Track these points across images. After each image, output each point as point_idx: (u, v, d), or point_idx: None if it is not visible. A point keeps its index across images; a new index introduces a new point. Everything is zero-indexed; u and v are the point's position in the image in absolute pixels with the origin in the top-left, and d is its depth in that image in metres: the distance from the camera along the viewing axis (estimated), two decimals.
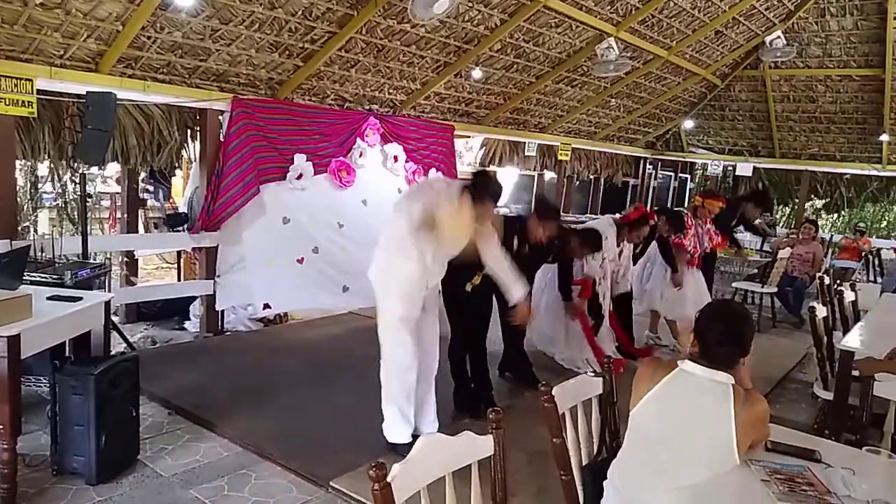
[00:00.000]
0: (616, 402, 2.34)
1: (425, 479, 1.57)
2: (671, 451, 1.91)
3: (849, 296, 4.60)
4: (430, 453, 1.59)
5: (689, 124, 10.94)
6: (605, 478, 2.07)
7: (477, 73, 6.58)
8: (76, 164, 5.34)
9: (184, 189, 7.53)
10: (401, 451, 3.33)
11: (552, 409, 2.01)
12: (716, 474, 1.84)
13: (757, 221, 10.78)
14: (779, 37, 7.94)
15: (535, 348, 5.14)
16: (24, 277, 3.32)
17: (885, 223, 11.83)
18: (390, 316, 3.36)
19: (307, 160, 5.70)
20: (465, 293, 3.87)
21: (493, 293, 4.09)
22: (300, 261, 5.76)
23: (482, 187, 3.33)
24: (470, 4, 5.52)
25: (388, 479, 1.43)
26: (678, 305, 5.50)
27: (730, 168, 11.25)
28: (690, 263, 5.58)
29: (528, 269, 4.11)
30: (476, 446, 1.73)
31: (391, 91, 6.45)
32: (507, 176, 9.83)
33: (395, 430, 3.43)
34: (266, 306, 5.58)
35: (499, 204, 3.49)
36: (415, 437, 3.37)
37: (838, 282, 5.61)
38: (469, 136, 8.59)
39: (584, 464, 2.19)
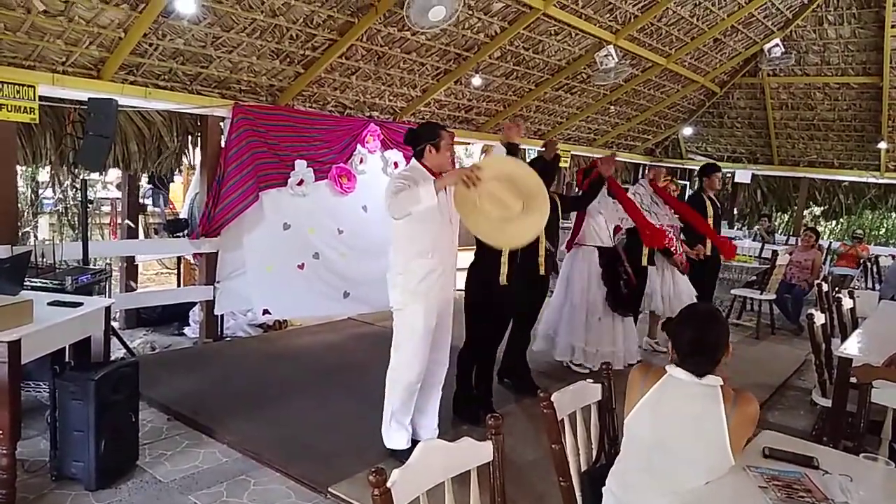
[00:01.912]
0: (614, 408, 2.35)
1: (425, 484, 1.58)
2: (666, 457, 1.92)
3: (847, 303, 4.61)
4: (429, 459, 1.60)
5: (687, 131, 10.97)
6: (604, 484, 2.08)
7: (477, 81, 6.61)
8: (77, 170, 5.36)
9: (183, 195, 7.55)
10: (400, 457, 3.33)
11: (551, 415, 2.02)
12: (712, 478, 1.85)
13: (756, 227, 10.86)
14: (777, 45, 7.99)
15: (536, 355, 5.13)
16: (25, 283, 3.34)
17: (883, 230, 11.84)
18: (412, 328, 3.29)
19: (308, 166, 5.72)
20: (498, 286, 3.84)
21: (515, 295, 4.07)
22: (301, 267, 5.76)
23: (426, 133, 3.35)
24: (470, 12, 5.55)
25: (388, 484, 1.44)
26: (676, 303, 5.54)
27: (728, 175, 11.27)
28: (681, 266, 5.68)
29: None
30: (475, 452, 1.74)
31: (391, 98, 6.48)
32: None
33: (393, 436, 3.44)
34: (266, 312, 5.57)
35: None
36: (415, 443, 3.38)
37: (836, 289, 5.63)
38: (469, 143, 8.62)
39: (583, 470, 2.19)
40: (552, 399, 2.03)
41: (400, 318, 3.36)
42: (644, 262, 5.30)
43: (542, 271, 4.45)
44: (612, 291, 5.01)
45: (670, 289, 5.68)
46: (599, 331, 5.00)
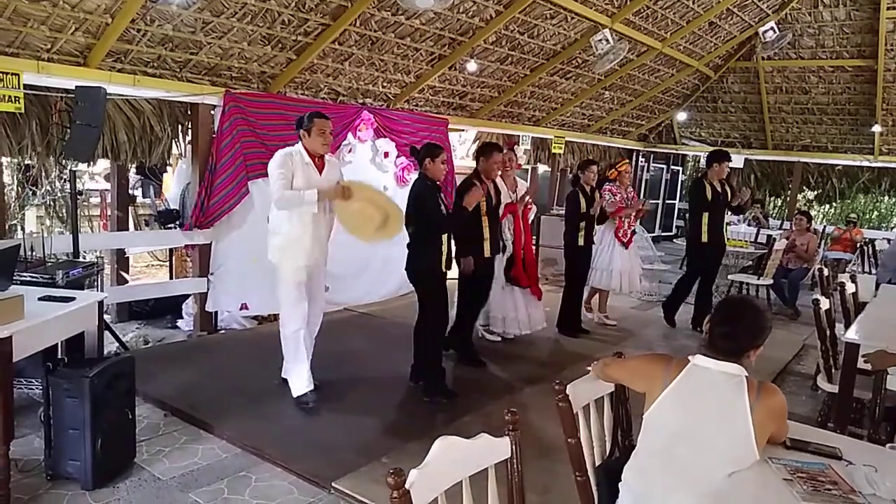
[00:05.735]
0: (628, 399, 2.29)
1: (443, 484, 1.52)
2: (688, 447, 1.87)
3: (850, 287, 4.58)
4: (447, 457, 1.54)
5: (681, 116, 10.92)
6: (620, 478, 2.02)
7: (471, 66, 6.51)
8: (65, 161, 5.22)
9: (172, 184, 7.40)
10: (306, 400, 3.87)
11: (567, 408, 1.96)
12: (735, 468, 1.80)
13: (750, 214, 10.86)
14: (772, 28, 7.93)
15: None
16: (14, 278, 3.23)
17: (876, 214, 11.88)
18: (285, 282, 3.86)
19: None
20: (440, 271, 4.16)
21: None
22: None
23: (303, 120, 3.81)
24: None
25: (407, 485, 1.38)
26: (606, 276, 6.09)
27: None
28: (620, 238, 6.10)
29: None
30: (493, 449, 1.69)
31: (385, 84, 6.37)
32: None
33: (298, 383, 3.91)
34: (244, 307, 5.46)
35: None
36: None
37: (834, 273, 5.61)
38: (463, 130, 8.53)
39: (597, 464, 2.14)
40: (567, 392, 1.97)
41: (277, 274, 3.92)
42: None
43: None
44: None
45: (607, 263, 6.05)
46: (503, 298, 5.37)
